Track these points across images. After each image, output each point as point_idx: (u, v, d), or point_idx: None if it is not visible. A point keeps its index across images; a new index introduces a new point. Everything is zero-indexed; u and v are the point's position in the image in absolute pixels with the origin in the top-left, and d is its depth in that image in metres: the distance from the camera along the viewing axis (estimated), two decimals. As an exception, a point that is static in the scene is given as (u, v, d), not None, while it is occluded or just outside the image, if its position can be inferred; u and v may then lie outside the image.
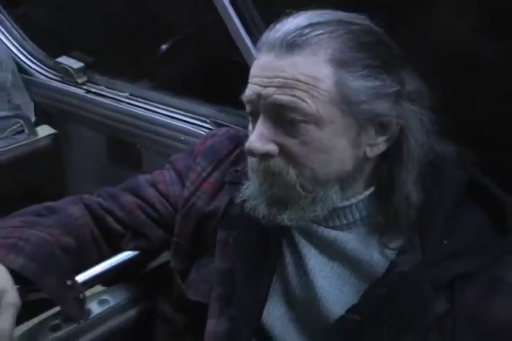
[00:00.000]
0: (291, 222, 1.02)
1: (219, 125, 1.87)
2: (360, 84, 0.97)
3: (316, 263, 1.08)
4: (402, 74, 1.01)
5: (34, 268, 1.04)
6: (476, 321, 0.97)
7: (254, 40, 1.68)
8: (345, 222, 1.07)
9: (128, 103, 2.17)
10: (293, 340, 1.09)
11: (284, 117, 0.98)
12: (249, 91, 1.01)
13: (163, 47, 2.37)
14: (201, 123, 1.96)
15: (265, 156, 1.00)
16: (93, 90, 2.30)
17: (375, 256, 1.05)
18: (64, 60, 2.37)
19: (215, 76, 2.06)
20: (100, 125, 2.29)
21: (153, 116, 2.08)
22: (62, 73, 2.37)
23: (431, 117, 1.02)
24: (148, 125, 2.09)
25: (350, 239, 1.06)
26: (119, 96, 2.21)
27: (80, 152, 2.42)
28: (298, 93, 0.96)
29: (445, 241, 1.01)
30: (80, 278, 1.18)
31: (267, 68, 0.98)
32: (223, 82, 1.99)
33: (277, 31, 0.99)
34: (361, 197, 1.05)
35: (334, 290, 1.06)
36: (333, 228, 1.07)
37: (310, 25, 0.97)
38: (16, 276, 1.02)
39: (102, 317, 1.24)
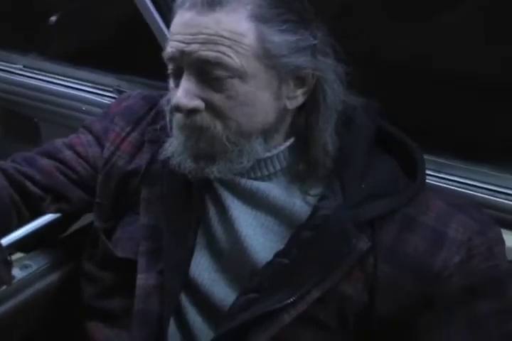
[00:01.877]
0: (219, 174, 1.06)
1: (122, 93, 1.86)
2: (280, 38, 1.02)
3: (239, 213, 1.12)
4: (316, 29, 1.06)
5: None
6: (392, 257, 1.05)
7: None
8: (266, 172, 1.12)
9: (22, 75, 2.12)
10: (221, 289, 1.12)
11: (208, 73, 1.02)
12: (171, 48, 1.03)
13: (53, 18, 2.32)
14: (103, 93, 1.94)
15: (192, 112, 1.03)
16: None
17: (298, 203, 1.10)
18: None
19: (114, 45, 2.05)
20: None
21: (50, 87, 2.04)
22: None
23: (344, 69, 1.09)
24: (46, 96, 2.05)
25: (272, 189, 1.11)
26: (12, 68, 2.15)
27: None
28: (222, 48, 1.00)
29: (362, 185, 1.08)
30: (3, 242, 1.17)
31: (190, 25, 1.01)
32: (122, 51, 1.99)
33: None
34: (282, 148, 1.11)
35: (259, 238, 1.11)
36: (255, 179, 1.12)
37: None
38: None
39: (25, 282, 1.23)
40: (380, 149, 1.15)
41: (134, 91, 1.32)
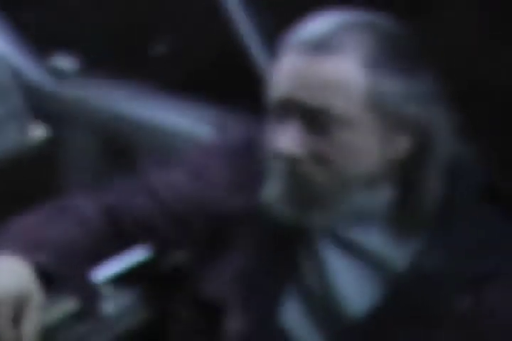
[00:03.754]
0: (319, 223, 1.03)
1: (220, 126, 1.87)
2: (391, 86, 0.98)
3: (335, 262, 1.08)
4: (428, 76, 1.02)
5: (56, 265, 1.03)
6: (498, 318, 0.99)
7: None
8: (366, 222, 1.07)
9: (125, 104, 2.17)
10: (311, 340, 1.09)
11: (314, 120, 0.99)
12: (276, 93, 1.01)
13: (159, 47, 2.38)
14: (202, 125, 1.96)
15: (294, 159, 1.01)
16: (88, 91, 2.28)
17: (396, 256, 1.06)
18: (58, 60, 2.35)
19: (214, 79, 2.07)
20: (96, 125, 2.26)
21: (149, 117, 2.07)
22: (56, 73, 2.35)
23: (455, 118, 1.04)
24: (146, 125, 2.08)
25: (370, 239, 1.07)
26: (116, 95, 2.21)
27: (76, 153, 2.40)
28: (330, 96, 0.97)
29: (467, 241, 1.03)
30: (95, 277, 1.17)
31: (296, 71, 0.99)
32: (222, 84, 2.00)
33: (305, 33, 0.99)
34: (383, 197, 1.06)
35: (354, 289, 1.07)
36: (354, 227, 1.08)
37: (339, 27, 0.98)
38: (38, 274, 1.01)
39: (115, 317, 1.23)
40: (487, 201, 1.08)
41: (233, 128, 1.31)
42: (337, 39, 0.97)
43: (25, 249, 1.03)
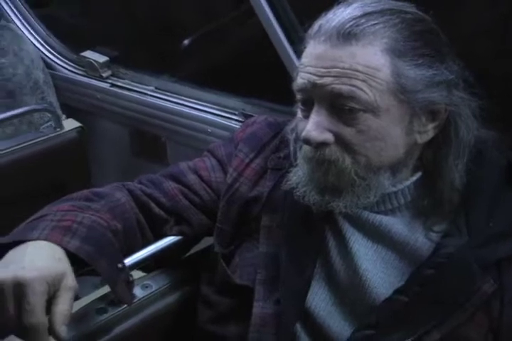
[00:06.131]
0: (345, 208, 1.05)
1: (247, 116, 1.89)
2: (416, 73, 1.00)
3: (360, 246, 1.10)
4: (451, 62, 1.03)
5: (89, 250, 1.05)
6: None
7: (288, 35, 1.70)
8: (390, 206, 1.09)
9: (153, 96, 2.20)
10: (337, 322, 1.10)
11: (340, 106, 1.01)
12: (303, 79, 1.03)
13: (186, 41, 2.40)
14: (228, 115, 1.98)
15: (321, 145, 1.03)
16: (118, 84, 2.32)
17: (420, 240, 1.07)
18: (88, 54, 2.39)
19: (241, 69, 2.09)
20: (125, 118, 2.32)
21: (179, 108, 2.11)
22: (87, 67, 2.39)
23: (478, 104, 1.05)
24: (174, 117, 2.12)
25: (394, 223, 1.09)
26: (145, 89, 2.24)
27: (105, 145, 2.44)
28: (356, 83, 0.99)
29: (490, 224, 1.03)
30: (126, 262, 1.20)
31: (324, 58, 1.01)
32: (248, 75, 2.02)
33: (331, 21, 1.01)
34: (408, 182, 1.08)
35: (379, 273, 1.08)
36: (378, 212, 1.09)
37: (365, 14, 1.00)
38: (70, 258, 1.05)
39: (146, 302, 1.25)
40: (508, 184, 1.09)
41: (259, 117, 1.33)
42: (363, 26, 0.99)
43: (61, 233, 1.06)
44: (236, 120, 1.96)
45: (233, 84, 2.03)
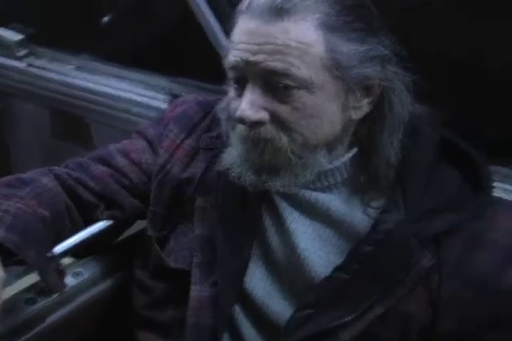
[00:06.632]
0: (283, 188, 1.03)
1: (175, 96, 1.85)
2: (350, 48, 0.98)
3: (297, 225, 1.09)
4: (383, 37, 1.02)
5: (16, 239, 1.01)
6: (458, 274, 1.01)
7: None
8: (326, 183, 1.08)
9: (74, 76, 2.12)
10: (276, 302, 1.09)
11: (275, 83, 0.98)
12: (235, 57, 1.00)
13: (105, 18, 2.33)
14: (154, 95, 1.93)
15: (256, 124, 1.00)
16: (36, 64, 2.23)
17: (358, 216, 1.07)
18: (2, 32, 2.28)
19: (166, 47, 2.04)
20: (44, 99, 2.23)
21: (102, 88, 2.04)
22: (1, 46, 2.28)
23: (411, 78, 1.04)
24: (98, 98, 2.06)
25: (332, 200, 1.08)
26: (65, 69, 2.16)
27: (24, 128, 2.35)
28: (290, 59, 0.96)
29: (425, 198, 1.04)
30: (56, 250, 1.15)
31: (256, 34, 0.98)
32: (175, 53, 1.97)
33: None
34: (344, 159, 1.07)
35: (318, 251, 1.07)
36: (315, 190, 1.08)
37: None
38: None
39: (77, 290, 1.21)
40: (444, 161, 1.10)
41: (189, 96, 1.29)
42: (294, 1, 0.96)
43: None
44: (162, 100, 1.91)
45: (159, 63, 1.98)
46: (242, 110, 0.99)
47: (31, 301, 1.15)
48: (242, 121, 1.00)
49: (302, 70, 0.97)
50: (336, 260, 1.06)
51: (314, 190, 1.08)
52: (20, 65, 2.25)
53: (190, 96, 1.28)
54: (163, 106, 1.85)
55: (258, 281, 1.10)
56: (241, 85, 1.02)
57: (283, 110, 0.99)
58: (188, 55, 1.88)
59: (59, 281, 1.09)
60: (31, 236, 1.04)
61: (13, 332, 1.11)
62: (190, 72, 1.89)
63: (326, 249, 1.07)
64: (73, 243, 1.21)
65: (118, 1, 2.27)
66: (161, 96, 1.92)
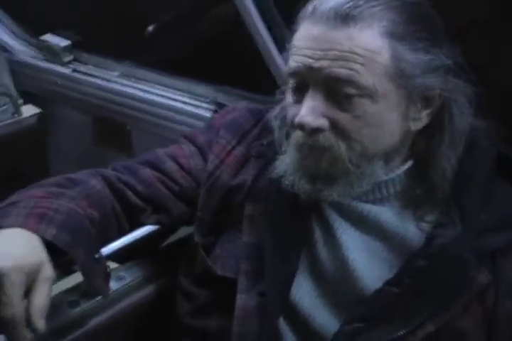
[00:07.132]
0: (338, 197, 1.01)
1: (219, 105, 1.85)
2: (414, 57, 0.97)
3: (347, 237, 1.07)
4: (447, 47, 1.01)
5: (66, 238, 0.99)
6: None
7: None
8: (379, 196, 1.06)
9: (119, 83, 2.13)
10: (322, 315, 1.07)
11: (337, 91, 0.97)
12: (297, 63, 0.99)
13: (150, 28, 2.34)
14: (199, 103, 1.93)
15: (315, 131, 0.98)
16: (80, 69, 2.24)
17: (411, 230, 1.04)
18: (49, 38, 2.30)
19: (212, 56, 2.04)
20: (87, 105, 2.23)
21: (146, 95, 2.04)
22: (47, 52, 2.30)
23: (473, 91, 1.02)
24: (141, 105, 2.05)
25: (384, 213, 1.06)
26: (109, 75, 2.17)
27: (66, 132, 2.36)
28: (354, 66, 0.95)
29: (483, 216, 1.01)
30: (102, 252, 1.14)
31: (320, 40, 0.96)
32: (220, 62, 1.97)
33: (327, 1, 0.97)
34: (399, 171, 1.05)
35: (367, 264, 1.05)
36: (367, 202, 1.06)
37: None
38: (47, 247, 0.98)
39: (119, 294, 1.20)
40: (499, 177, 1.07)
41: (240, 104, 1.28)
42: (361, 8, 0.95)
43: (36, 220, 1.00)
44: (206, 108, 1.90)
45: (204, 72, 1.98)
46: (301, 116, 0.98)
47: (74, 304, 1.14)
48: (301, 127, 0.99)
49: (366, 78, 0.95)
50: (385, 274, 1.03)
51: (366, 201, 1.06)
52: (66, 70, 2.26)
53: (241, 104, 1.27)
54: (208, 114, 1.84)
55: (304, 292, 1.08)
56: (301, 91, 1.00)
57: (343, 118, 0.98)
58: (235, 65, 1.87)
59: (104, 284, 1.07)
60: (81, 237, 1.02)
61: (54, 335, 1.09)
62: (236, 82, 1.88)
63: (375, 262, 1.05)
64: (118, 246, 1.20)
65: (165, 9, 2.27)
66: (205, 105, 1.91)
